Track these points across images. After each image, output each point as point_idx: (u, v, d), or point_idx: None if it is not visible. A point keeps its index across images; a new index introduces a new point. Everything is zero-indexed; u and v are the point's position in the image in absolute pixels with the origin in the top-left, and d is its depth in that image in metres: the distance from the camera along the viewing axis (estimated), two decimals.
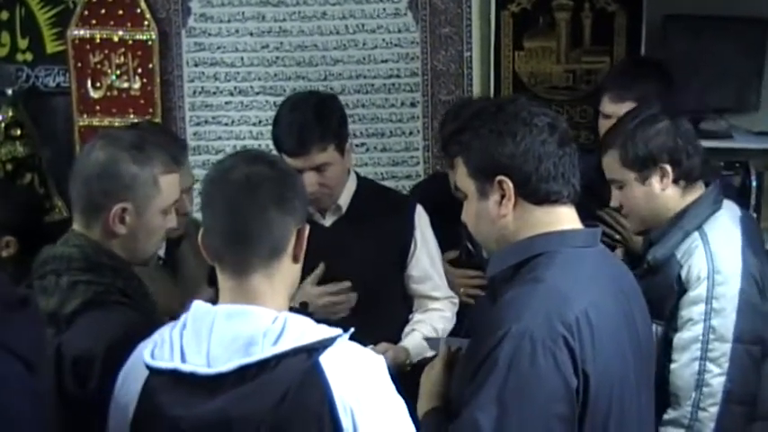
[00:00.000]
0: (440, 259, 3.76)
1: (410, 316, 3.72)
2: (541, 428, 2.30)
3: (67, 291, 2.67)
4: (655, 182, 3.18)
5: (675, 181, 3.19)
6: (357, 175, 3.78)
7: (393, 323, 3.64)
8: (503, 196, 2.46)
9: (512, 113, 2.50)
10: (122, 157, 2.77)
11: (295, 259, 2.38)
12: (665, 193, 3.19)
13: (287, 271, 2.37)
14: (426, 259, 3.69)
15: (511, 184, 2.45)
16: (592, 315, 2.35)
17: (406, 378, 2.78)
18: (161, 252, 3.51)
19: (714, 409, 3.08)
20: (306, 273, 2.48)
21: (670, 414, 3.12)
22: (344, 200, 3.67)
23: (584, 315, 2.34)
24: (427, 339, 3.34)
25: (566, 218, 2.50)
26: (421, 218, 3.69)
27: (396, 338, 3.57)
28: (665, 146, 3.17)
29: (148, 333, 2.39)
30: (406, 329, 3.65)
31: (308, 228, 2.40)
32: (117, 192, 2.75)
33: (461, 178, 2.55)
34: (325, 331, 2.24)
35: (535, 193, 2.46)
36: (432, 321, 3.64)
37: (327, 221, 3.65)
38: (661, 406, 3.07)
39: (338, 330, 2.25)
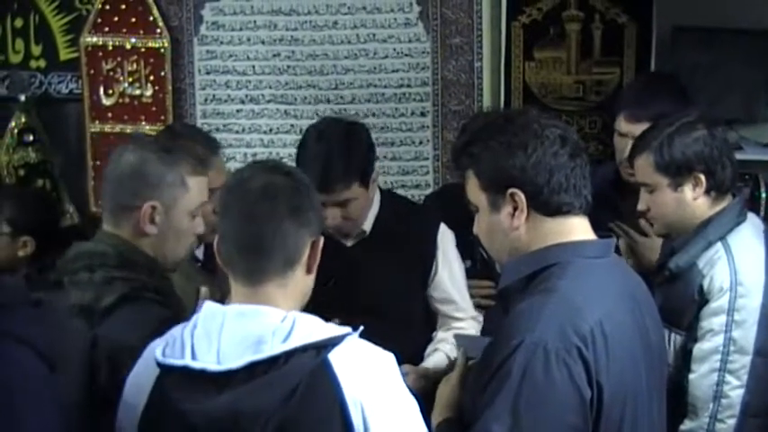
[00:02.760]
0: (463, 279, 3.68)
1: (433, 334, 3.65)
2: None
3: (103, 286, 2.69)
4: (687, 190, 3.14)
5: (707, 191, 3.13)
6: (381, 192, 3.70)
7: (416, 342, 3.57)
8: (515, 208, 2.43)
9: (522, 125, 2.47)
10: (151, 159, 2.81)
11: (308, 270, 2.38)
12: (695, 201, 3.14)
13: (300, 281, 2.37)
14: (448, 281, 3.60)
15: (523, 197, 2.41)
16: (606, 326, 2.31)
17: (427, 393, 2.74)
18: (199, 254, 3.57)
19: (732, 422, 3.04)
20: (328, 293, 2.42)
21: (687, 425, 3.09)
22: (368, 224, 3.60)
23: (599, 326, 2.30)
24: (456, 336, 3.29)
25: (578, 229, 2.46)
26: (444, 237, 3.61)
27: (418, 357, 3.51)
28: (702, 154, 3.12)
29: None
30: (429, 349, 3.59)
31: (322, 240, 2.40)
32: (145, 191, 2.79)
33: (473, 191, 2.51)
34: (334, 329, 2.24)
35: (547, 205, 2.42)
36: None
37: (349, 242, 3.58)
38: (678, 416, 3.06)
39: (348, 329, 2.26)
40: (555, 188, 2.41)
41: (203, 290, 3.06)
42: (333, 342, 2.21)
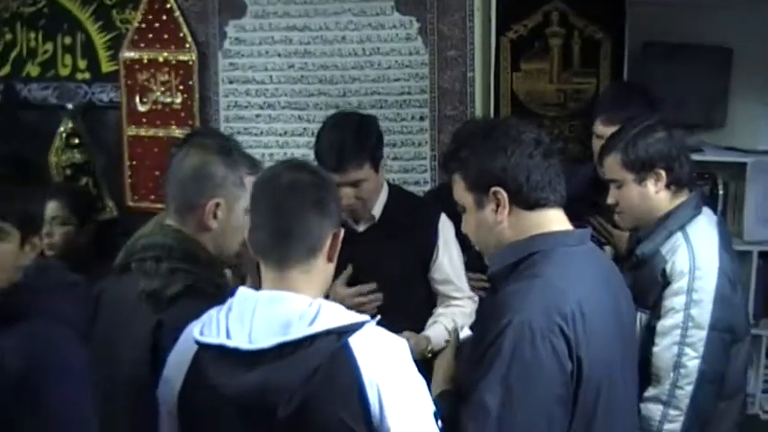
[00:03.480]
0: (461, 264, 3.73)
1: (434, 310, 3.71)
2: (542, 407, 2.34)
3: (168, 275, 2.70)
4: (650, 184, 3.22)
5: (668, 185, 3.22)
6: (389, 184, 3.77)
7: (417, 318, 3.60)
8: (498, 205, 2.50)
9: (502, 132, 2.55)
10: (214, 160, 2.79)
11: (329, 259, 2.38)
12: (657, 195, 3.22)
13: (322, 268, 2.37)
14: (448, 264, 3.66)
15: (505, 194, 2.49)
16: (584, 306, 2.38)
17: (426, 364, 2.78)
18: None
19: (689, 388, 3.11)
20: (338, 273, 2.48)
21: (650, 391, 3.15)
22: (377, 209, 3.65)
23: (578, 306, 2.37)
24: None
25: (555, 220, 2.54)
26: (445, 226, 3.66)
27: (420, 329, 3.56)
28: (662, 153, 3.20)
29: None
30: (429, 321, 3.64)
31: (342, 232, 2.41)
32: (211, 190, 2.78)
33: (460, 192, 2.58)
34: (354, 316, 2.26)
35: (527, 201, 2.50)
36: (453, 315, 3.62)
37: (361, 227, 3.64)
38: (643, 384, 3.11)
39: (367, 317, 2.27)
40: (533, 185, 2.48)
41: (227, 272, 3.06)
42: (353, 328, 2.21)
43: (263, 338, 2.20)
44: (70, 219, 4.06)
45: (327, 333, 2.20)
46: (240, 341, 2.22)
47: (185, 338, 2.37)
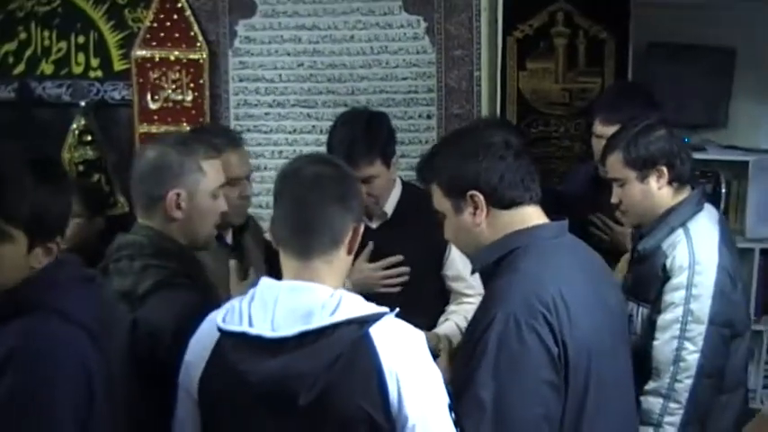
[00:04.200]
0: None
1: (446, 307, 3.70)
2: (535, 394, 2.37)
3: (140, 273, 2.72)
4: (652, 181, 3.23)
5: (670, 182, 3.23)
6: (402, 181, 3.77)
7: (430, 314, 3.61)
8: (476, 208, 2.54)
9: (472, 137, 2.61)
10: (169, 152, 2.82)
11: (349, 251, 2.40)
12: (660, 192, 3.24)
13: (342, 259, 2.39)
14: (460, 261, 3.60)
15: (481, 196, 2.52)
16: (565, 293, 2.42)
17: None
18: (228, 239, 3.57)
19: (689, 381, 3.12)
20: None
21: (650, 385, 3.16)
22: (390, 206, 3.66)
23: (559, 294, 2.41)
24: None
25: (532, 216, 2.57)
26: None
27: (433, 326, 3.56)
28: (664, 150, 3.22)
29: (208, 310, 2.43)
30: (441, 319, 3.63)
31: (362, 226, 2.44)
32: (169, 181, 2.80)
33: (438, 200, 2.62)
34: (374, 307, 2.28)
35: (502, 200, 2.53)
36: (464, 312, 3.59)
37: (374, 224, 3.64)
38: (644, 377, 3.13)
39: (386, 308, 2.29)
40: (506, 185, 2.52)
41: (232, 263, 3.09)
42: (374, 318, 2.23)
43: (286, 327, 2.23)
44: (80, 212, 4.07)
45: (348, 322, 2.22)
46: (263, 329, 2.24)
47: (206, 326, 2.39)
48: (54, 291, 2.26)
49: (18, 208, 2.20)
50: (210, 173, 2.89)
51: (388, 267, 3.59)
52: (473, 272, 2.67)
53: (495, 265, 2.54)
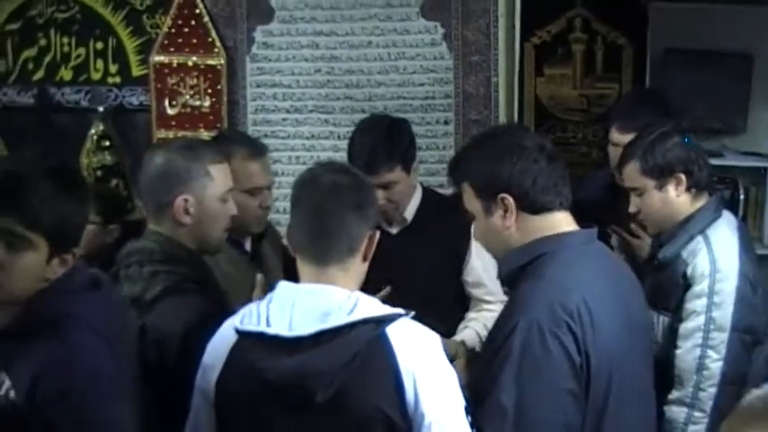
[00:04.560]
0: (493, 267, 3.58)
1: (466, 314, 3.67)
2: (556, 402, 2.36)
3: (149, 279, 2.72)
4: (671, 189, 3.22)
5: (688, 189, 3.22)
6: (422, 187, 3.75)
7: (449, 320, 3.56)
8: (506, 211, 2.51)
9: (506, 139, 2.59)
10: (175, 157, 2.82)
11: (364, 259, 2.42)
12: (679, 199, 3.22)
13: (358, 266, 2.41)
14: (480, 267, 3.61)
15: (512, 200, 2.50)
16: (590, 302, 2.40)
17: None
18: (247, 246, 3.55)
19: (713, 390, 3.11)
20: (374, 274, 2.50)
21: (674, 394, 3.15)
22: (410, 212, 3.64)
23: (583, 303, 2.39)
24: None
25: (562, 222, 2.55)
26: None
27: (452, 333, 3.53)
28: (681, 157, 3.20)
29: (217, 316, 2.46)
30: (461, 326, 3.60)
31: (378, 234, 2.45)
32: (176, 187, 2.79)
33: (468, 200, 2.60)
34: (391, 308, 2.30)
35: (533, 205, 2.51)
36: (484, 320, 3.56)
37: (394, 230, 3.62)
38: (667, 387, 3.12)
39: (402, 310, 2.30)
40: (539, 189, 2.50)
41: (260, 276, 3.06)
42: (390, 318, 2.25)
43: (303, 326, 2.24)
44: (94, 219, 4.03)
45: (365, 322, 2.24)
46: (280, 329, 2.25)
47: (222, 331, 2.39)
48: (68, 300, 2.26)
49: (40, 215, 2.19)
50: (218, 177, 2.88)
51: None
52: (499, 275, 2.66)
53: (521, 269, 2.52)
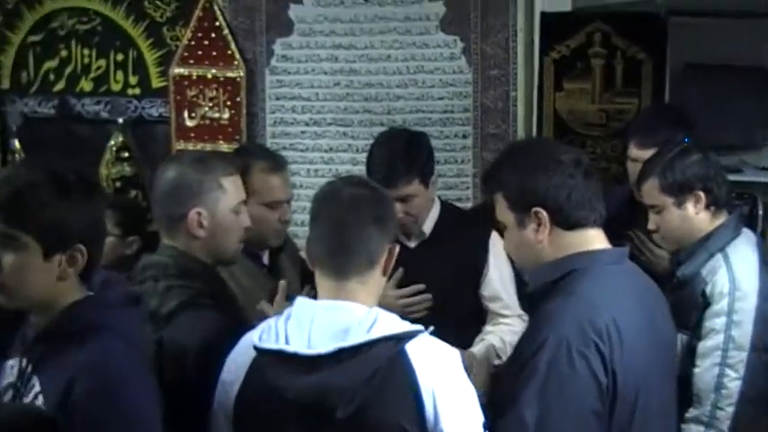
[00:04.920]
0: (511, 282, 3.67)
1: (483, 328, 3.66)
2: (579, 422, 2.33)
3: (164, 294, 2.70)
4: (690, 206, 3.19)
5: (707, 206, 3.19)
6: (441, 200, 3.74)
7: (466, 334, 3.55)
8: (539, 225, 2.48)
9: (543, 152, 2.56)
10: (187, 171, 2.80)
11: (384, 272, 2.42)
12: (698, 216, 3.19)
13: (377, 280, 2.41)
14: (497, 281, 3.61)
15: (546, 214, 2.47)
16: (619, 323, 2.37)
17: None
18: (265, 259, 3.54)
19: (731, 409, 3.07)
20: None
21: (692, 412, 3.11)
22: (428, 225, 3.63)
23: (613, 323, 2.36)
24: None
25: (594, 239, 2.52)
26: (495, 244, 3.57)
27: (468, 346, 3.50)
28: (700, 174, 3.17)
29: (233, 330, 2.46)
30: (477, 339, 3.59)
31: (397, 247, 2.44)
32: (189, 200, 2.77)
33: (501, 211, 2.57)
34: (410, 325, 2.29)
35: (567, 220, 2.48)
36: (501, 334, 3.57)
37: (412, 243, 3.60)
38: (684, 405, 3.07)
39: (421, 327, 2.29)
40: (573, 205, 2.47)
41: (282, 283, 3.05)
42: (409, 335, 2.25)
43: (322, 344, 2.23)
44: (113, 231, 4.05)
45: (385, 339, 2.23)
46: (299, 346, 2.24)
47: (241, 347, 2.39)
48: (102, 312, 2.28)
49: (34, 216, 2.20)
50: (231, 189, 2.86)
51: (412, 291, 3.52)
52: (529, 290, 2.62)
53: (550, 285, 2.49)
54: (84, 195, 2.27)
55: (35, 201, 2.20)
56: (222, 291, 2.86)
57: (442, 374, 2.26)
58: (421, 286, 3.39)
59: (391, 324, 2.27)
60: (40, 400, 2.21)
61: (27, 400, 2.25)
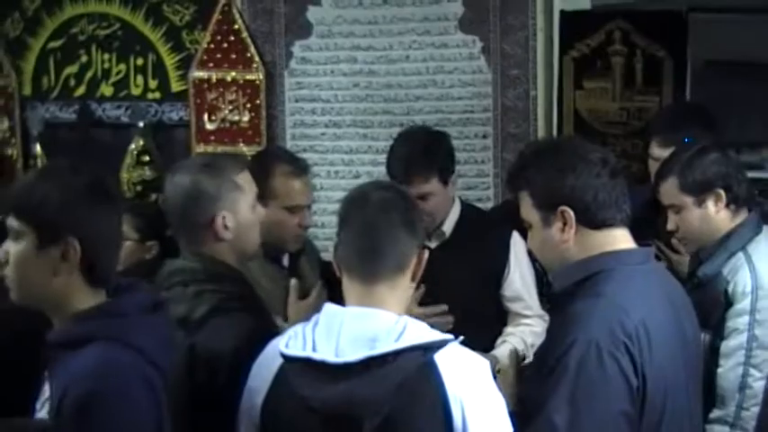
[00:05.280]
0: (533, 282, 3.67)
1: (504, 329, 3.65)
2: (609, 425, 2.30)
3: (194, 299, 2.67)
4: (710, 205, 3.15)
5: (727, 205, 3.15)
6: (461, 201, 3.73)
7: (487, 335, 3.54)
8: (565, 224, 2.46)
9: (570, 151, 2.52)
10: (201, 178, 2.76)
11: (413, 277, 2.39)
12: (718, 215, 3.15)
13: (406, 285, 2.38)
14: (519, 281, 3.61)
15: (572, 213, 2.44)
16: (648, 324, 2.35)
17: None
18: (285, 261, 3.53)
19: (755, 409, 3.02)
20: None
21: (716, 413, 3.08)
22: (448, 226, 3.62)
23: (642, 324, 2.34)
24: None
25: (620, 239, 2.49)
26: (516, 244, 3.59)
27: (490, 348, 3.50)
28: (720, 173, 3.14)
29: (264, 334, 2.44)
30: (498, 341, 3.58)
31: (426, 253, 2.42)
32: (211, 206, 2.74)
33: (526, 210, 2.54)
34: (439, 334, 2.25)
35: (593, 220, 2.45)
36: (522, 335, 3.57)
37: (432, 244, 3.57)
38: (708, 406, 3.04)
39: (450, 336, 2.26)
40: (600, 204, 2.43)
41: (293, 281, 3.05)
42: (438, 345, 2.22)
43: (350, 352, 2.20)
44: (131, 235, 4.01)
45: (413, 349, 2.20)
46: (326, 354, 2.22)
47: (268, 353, 2.37)
48: (113, 320, 2.25)
49: (21, 201, 2.24)
50: (246, 186, 2.84)
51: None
52: (553, 290, 2.60)
53: (575, 285, 2.46)
54: (90, 193, 2.27)
55: (38, 192, 2.23)
56: (252, 294, 2.84)
57: (471, 385, 2.23)
58: (444, 307, 3.35)
59: (420, 333, 2.23)
60: (46, 408, 2.23)
61: (39, 405, 2.28)
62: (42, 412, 2.28)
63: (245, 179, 2.84)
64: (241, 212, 2.79)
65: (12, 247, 2.24)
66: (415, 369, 2.18)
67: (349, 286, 2.36)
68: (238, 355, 2.50)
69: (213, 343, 2.59)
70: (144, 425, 2.17)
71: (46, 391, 2.27)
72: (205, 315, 2.65)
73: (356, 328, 2.24)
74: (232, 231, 2.77)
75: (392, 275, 2.33)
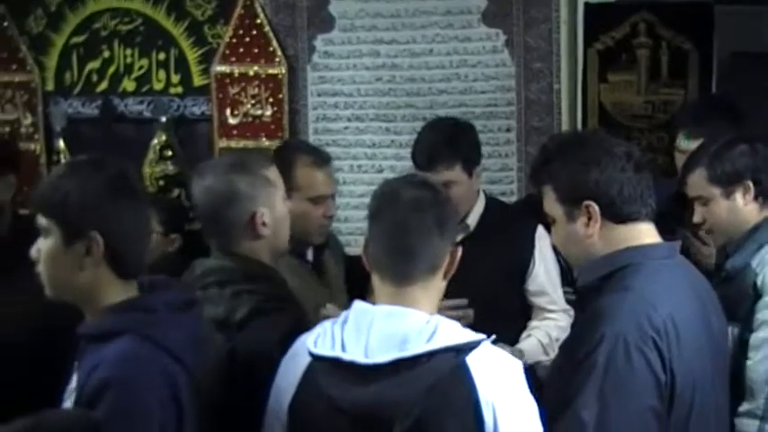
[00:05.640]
0: (557, 276, 3.67)
1: (528, 323, 3.64)
2: (638, 420, 2.30)
3: (233, 300, 2.66)
4: (738, 197, 3.13)
5: (755, 197, 3.13)
6: (485, 194, 3.73)
7: (512, 330, 3.54)
8: (589, 219, 2.45)
9: (594, 145, 2.51)
10: (232, 179, 2.75)
11: (445, 276, 2.36)
12: (746, 207, 3.13)
13: (438, 285, 2.35)
14: (544, 276, 3.60)
15: (597, 208, 2.44)
16: (676, 318, 2.35)
17: None
18: (309, 256, 3.53)
19: None
20: None
21: (745, 406, 3.03)
22: (473, 219, 3.61)
23: (670, 319, 2.34)
24: None
25: (646, 233, 2.49)
26: (541, 238, 3.58)
27: (515, 342, 3.50)
28: (749, 164, 3.11)
29: (303, 333, 2.41)
30: (523, 335, 3.58)
31: (459, 250, 2.38)
32: (248, 205, 2.74)
33: (550, 204, 2.54)
34: (471, 335, 2.22)
35: (618, 214, 2.46)
36: (547, 329, 3.56)
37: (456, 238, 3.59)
38: (736, 399, 3.00)
39: (483, 335, 2.23)
40: (624, 199, 2.45)
41: (329, 307, 3.07)
42: (470, 346, 2.19)
43: (380, 353, 2.18)
44: (154, 227, 4.03)
45: (445, 350, 2.17)
46: (356, 355, 2.19)
47: (295, 350, 2.36)
48: (140, 315, 2.29)
49: (45, 198, 2.30)
50: (276, 180, 2.84)
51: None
52: (579, 285, 2.58)
53: (601, 280, 2.46)
54: (112, 188, 2.30)
55: (61, 189, 2.27)
56: (288, 294, 2.83)
57: (503, 388, 2.20)
58: (464, 301, 3.32)
59: (452, 334, 2.20)
60: (72, 398, 2.25)
61: (66, 394, 2.31)
62: (69, 402, 2.28)
63: (274, 174, 2.85)
64: (276, 207, 2.81)
65: (42, 245, 2.29)
66: (447, 371, 2.15)
67: (380, 285, 2.33)
68: (280, 357, 2.47)
69: (256, 345, 2.59)
70: (148, 417, 2.17)
71: (74, 381, 2.29)
72: (246, 317, 2.64)
73: (386, 327, 2.21)
74: (270, 227, 2.77)
75: (425, 277, 2.29)
